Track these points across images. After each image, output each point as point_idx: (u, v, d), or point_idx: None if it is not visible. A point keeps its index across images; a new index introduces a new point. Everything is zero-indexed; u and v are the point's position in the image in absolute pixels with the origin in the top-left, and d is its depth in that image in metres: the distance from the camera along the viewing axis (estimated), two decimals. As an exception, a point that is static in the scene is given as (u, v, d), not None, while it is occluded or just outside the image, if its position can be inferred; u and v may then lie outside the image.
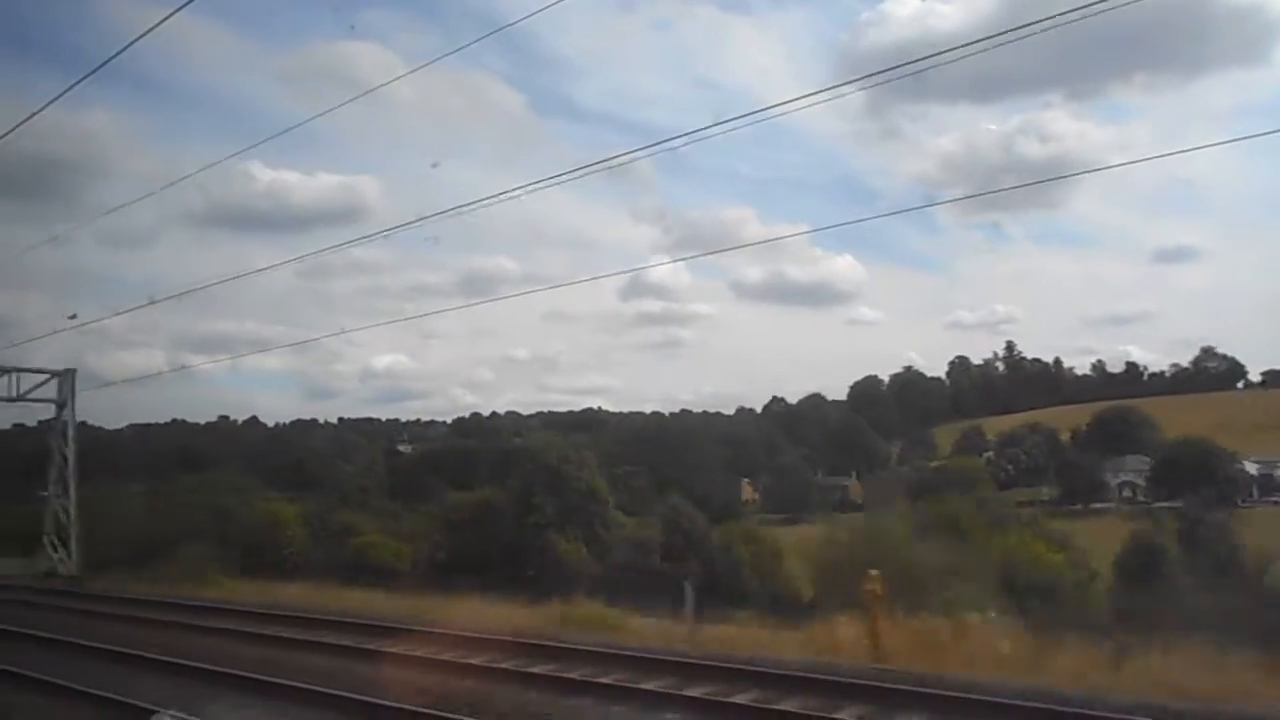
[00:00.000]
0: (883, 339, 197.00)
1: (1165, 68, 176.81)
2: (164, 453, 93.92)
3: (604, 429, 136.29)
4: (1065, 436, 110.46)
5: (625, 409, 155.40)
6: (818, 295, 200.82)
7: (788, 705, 10.51)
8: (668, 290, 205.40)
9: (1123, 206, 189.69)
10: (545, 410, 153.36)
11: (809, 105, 13.37)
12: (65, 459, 32.89)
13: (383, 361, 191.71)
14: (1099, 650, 12.79)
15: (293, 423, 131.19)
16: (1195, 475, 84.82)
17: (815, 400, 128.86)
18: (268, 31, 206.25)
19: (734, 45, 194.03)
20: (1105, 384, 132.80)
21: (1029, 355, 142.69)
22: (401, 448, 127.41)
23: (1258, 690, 10.42)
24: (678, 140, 14.87)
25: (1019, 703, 9.98)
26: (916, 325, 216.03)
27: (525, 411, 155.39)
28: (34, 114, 15.16)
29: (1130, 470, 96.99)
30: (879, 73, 13.08)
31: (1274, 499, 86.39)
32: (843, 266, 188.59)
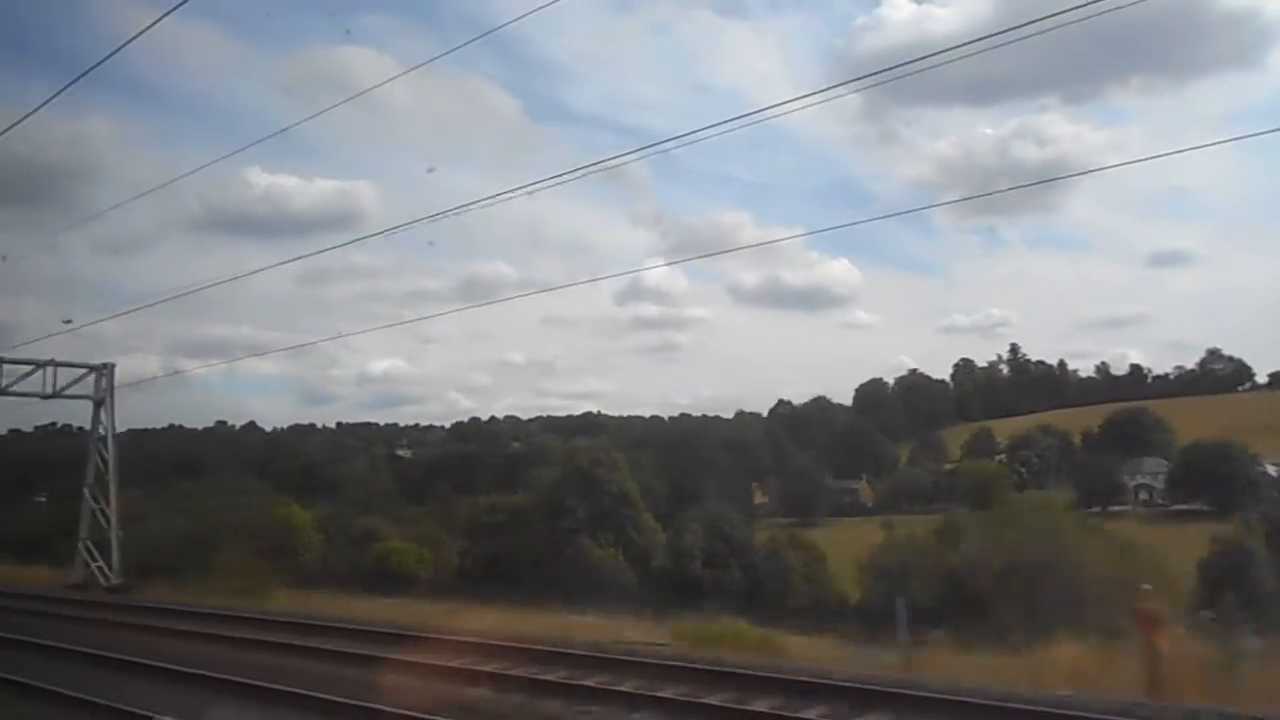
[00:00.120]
0: (878, 343, 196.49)
1: (1162, 71, 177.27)
2: (162, 458, 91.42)
3: (603, 433, 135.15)
4: (1075, 439, 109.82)
5: (622, 413, 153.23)
6: (814, 299, 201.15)
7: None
8: (664, 295, 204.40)
9: (1118, 210, 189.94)
10: (544, 415, 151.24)
11: (803, 108, 14.07)
12: (104, 461, 30.49)
13: (379, 366, 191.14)
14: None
15: (290, 428, 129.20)
16: (1215, 478, 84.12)
17: (820, 403, 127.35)
18: (264, 37, 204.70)
19: (730, 50, 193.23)
20: (1109, 386, 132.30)
21: (1026, 358, 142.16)
22: (401, 452, 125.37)
23: None
24: (673, 142, 14.64)
25: None
26: (912, 329, 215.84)
27: (524, 416, 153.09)
28: (26, 116, 14.68)
29: (1146, 473, 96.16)
30: (874, 74, 13.24)
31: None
32: (839, 270, 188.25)
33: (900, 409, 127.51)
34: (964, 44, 11.50)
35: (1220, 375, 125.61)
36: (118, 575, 29.80)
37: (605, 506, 57.02)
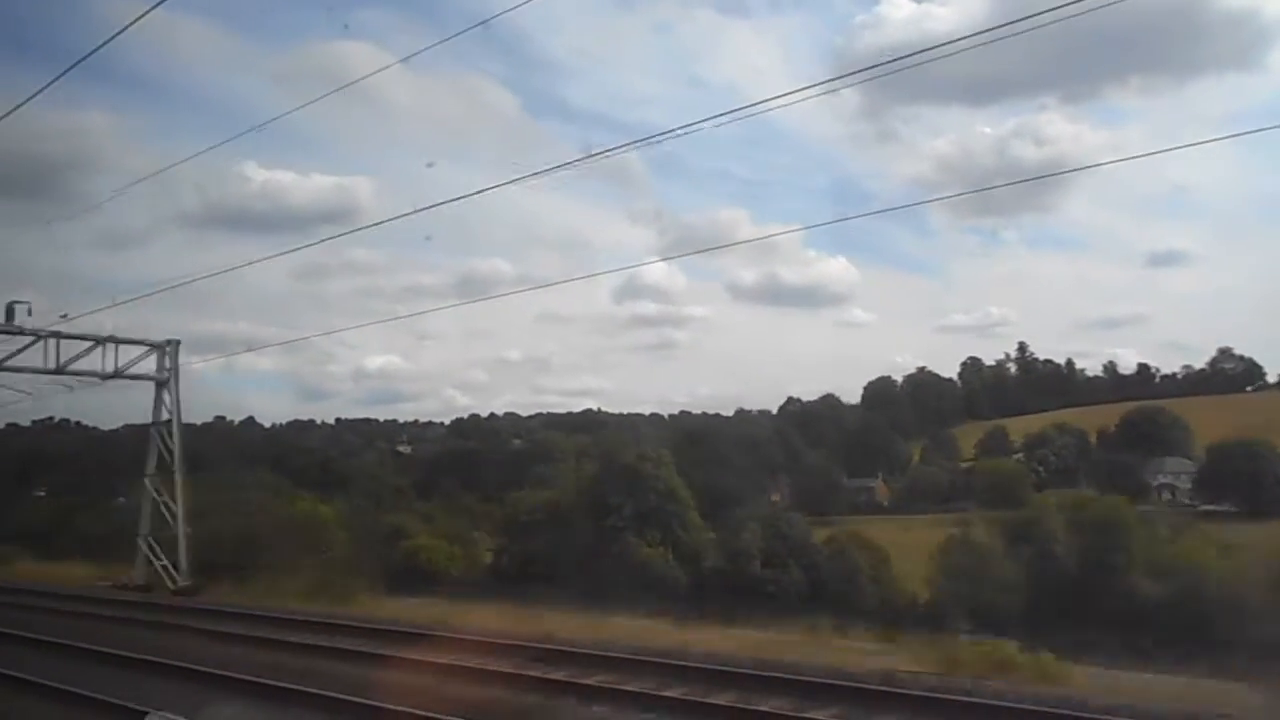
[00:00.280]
0: (876, 341, 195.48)
1: (1161, 71, 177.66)
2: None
3: (604, 430, 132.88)
4: (1090, 438, 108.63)
5: (621, 410, 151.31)
6: (812, 297, 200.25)
7: None
8: (662, 292, 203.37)
9: (1116, 210, 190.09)
10: (544, 412, 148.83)
11: (799, 101, 13.48)
12: (169, 448, 27.53)
13: (376, 362, 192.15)
14: None
15: (290, 423, 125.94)
16: (1243, 477, 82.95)
17: (829, 401, 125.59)
18: (262, 31, 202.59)
19: (731, 48, 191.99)
20: (1117, 386, 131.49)
21: (1034, 357, 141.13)
22: (401, 448, 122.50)
23: None
24: (669, 135, 14.43)
25: None
26: (910, 328, 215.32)
27: (523, 413, 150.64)
28: (17, 107, 14.38)
29: (1169, 472, 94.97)
30: (872, 67, 13.15)
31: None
32: (837, 269, 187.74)
33: (909, 407, 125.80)
34: (963, 38, 11.51)
35: (1231, 374, 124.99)
36: (186, 576, 26.81)
37: (651, 504, 54.39)
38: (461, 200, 16.82)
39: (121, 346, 27.43)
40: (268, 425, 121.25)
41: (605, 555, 52.83)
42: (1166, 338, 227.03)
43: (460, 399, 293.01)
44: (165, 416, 28.07)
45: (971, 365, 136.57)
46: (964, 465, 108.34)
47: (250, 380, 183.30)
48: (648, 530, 53.65)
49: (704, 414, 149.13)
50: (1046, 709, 10.21)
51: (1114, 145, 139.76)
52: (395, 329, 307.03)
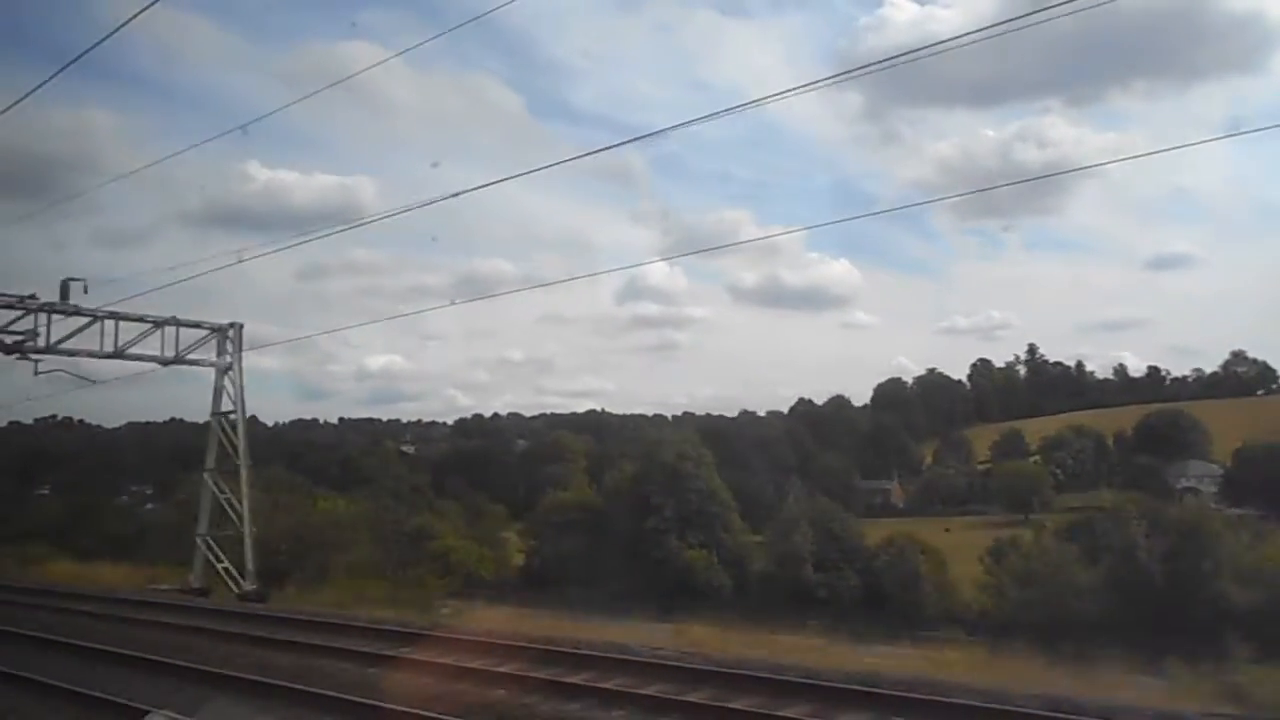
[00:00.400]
0: (878, 343, 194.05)
1: (1164, 74, 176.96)
2: (164, 451, 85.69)
3: (608, 430, 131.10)
4: (1106, 440, 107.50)
5: (623, 411, 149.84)
6: (814, 299, 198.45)
7: None
8: (664, 294, 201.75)
9: (1118, 213, 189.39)
10: (548, 412, 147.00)
11: (798, 93, 13.90)
12: (232, 441, 25.27)
13: (378, 362, 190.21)
14: None
15: (292, 422, 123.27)
16: (1271, 481, 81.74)
17: (839, 402, 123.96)
18: (265, 32, 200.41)
19: (733, 49, 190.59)
20: (1127, 388, 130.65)
21: (1044, 359, 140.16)
22: (405, 448, 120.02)
23: None
24: (673, 129, 12.22)
25: None
26: (911, 330, 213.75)
27: (525, 413, 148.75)
28: (16, 102, 14.28)
29: (1193, 475, 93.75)
30: (876, 63, 13.10)
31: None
32: (838, 271, 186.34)
33: (920, 409, 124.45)
34: (969, 34, 11.44)
35: (1245, 378, 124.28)
36: (252, 579, 24.54)
37: (693, 505, 52.30)
38: (464, 197, 16.06)
39: (171, 332, 25.15)
40: (270, 424, 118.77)
41: (646, 558, 50.72)
42: (1168, 341, 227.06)
43: (461, 399, 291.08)
44: (230, 405, 25.72)
45: (981, 367, 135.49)
46: (980, 467, 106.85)
47: (252, 379, 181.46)
48: (690, 532, 51.53)
49: (708, 415, 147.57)
50: None
51: (1117, 148, 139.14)
52: (397, 329, 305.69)
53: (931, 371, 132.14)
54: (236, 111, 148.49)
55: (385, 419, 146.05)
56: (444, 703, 10.27)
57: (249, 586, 24.51)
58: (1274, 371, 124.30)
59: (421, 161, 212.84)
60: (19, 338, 21.80)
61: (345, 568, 29.61)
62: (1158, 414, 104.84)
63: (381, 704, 9.90)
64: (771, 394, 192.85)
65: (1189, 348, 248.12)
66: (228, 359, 25.66)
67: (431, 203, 16.79)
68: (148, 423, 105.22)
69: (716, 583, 48.85)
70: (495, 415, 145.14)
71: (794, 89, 13.21)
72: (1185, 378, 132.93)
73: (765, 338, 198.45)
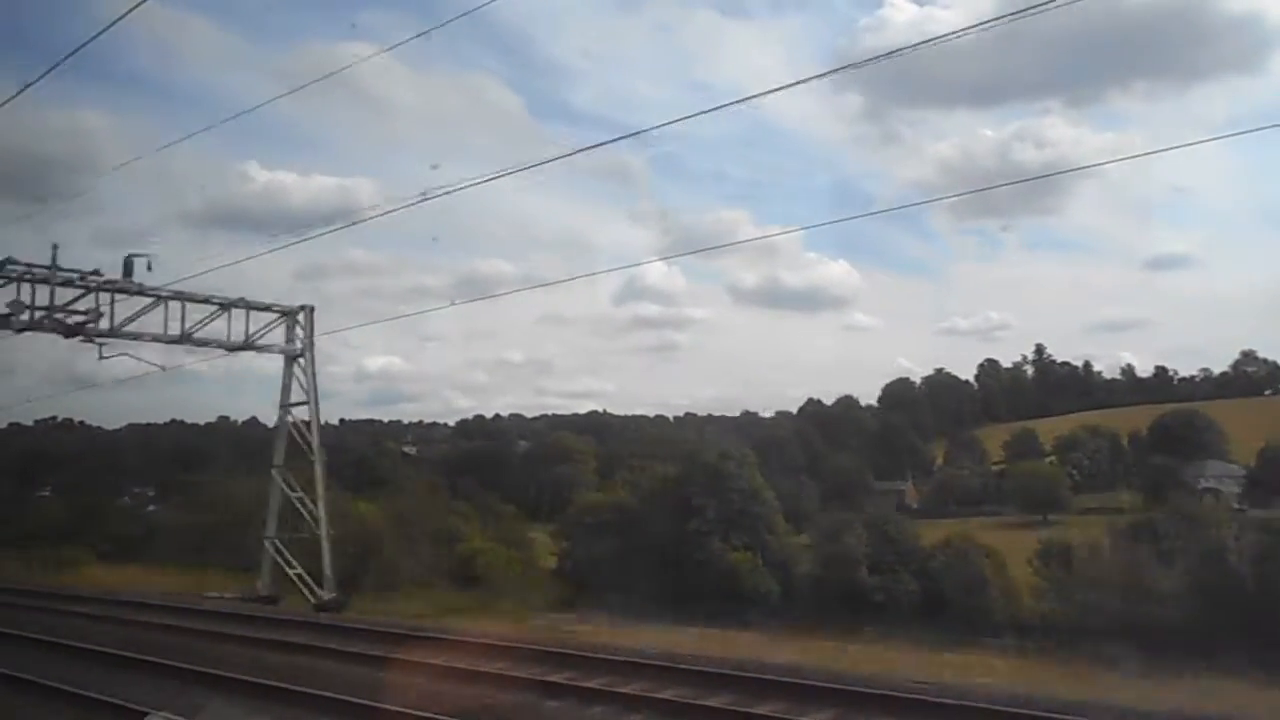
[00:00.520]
0: (877, 344, 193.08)
1: (1164, 75, 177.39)
2: (165, 452, 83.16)
3: (609, 431, 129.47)
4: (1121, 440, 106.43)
5: (623, 412, 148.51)
6: (813, 300, 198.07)
7: None
8: (663, 294, 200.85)
9: (1117, 214, 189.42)
10: (549, 413, 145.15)
11: (795, 86, 14.01)
12: (304, 437, 23.04)
13: (377, 363, 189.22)
14: None
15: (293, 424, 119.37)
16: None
17: (848, 402, 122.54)
18: (264, 32, 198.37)
19: (733, 50, 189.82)
20: (1135, 388, 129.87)
21: (1052, 359, 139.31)
22: (406, 449, 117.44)
23: None
24: (668, 134, 10.18)
25: None
26: (911, 331, 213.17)
27: (526, 414, 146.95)
28: (11, 98, 14.07)
29: (1212, 475, 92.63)
30: (877, 58, 13.99)
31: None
32: (838, 272, 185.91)
33: (928, 409, 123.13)
34: (969, 28, 11.44)
35: (1254, 377, 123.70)
36: (331, 586, 22.29)
37: (735, 506, 50.32)
38: (463, 199, 14.02)
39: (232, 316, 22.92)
40: (271, 425, 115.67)
41: (688, 561, 48.68)
42: (1169, 341, 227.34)
43: (461, 400, 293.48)
44: (303, 395, 23.47)
45: (988, 367, 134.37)
46: (994, 468, 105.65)
47: (250, 380, 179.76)
48: (734, 534, 49.53)
49: (709, 415, 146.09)
50: None
51: (1116, 149, 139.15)
52: (396, 330, 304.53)
53: (939, 371, 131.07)
54: (234, 111, 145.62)
55: (386, 420, 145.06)
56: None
57: (326, 595, 22.25)
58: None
59: (421, 162, 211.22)
60: (81, 318, 19.50)
61: (409, 572, 27.46)
62: (1172, 414, 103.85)
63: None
64: (773, 394, 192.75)
65: (1190, 348, 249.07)
66: (298, 344, 23.39)
67: (430, 197, 16.73)
68: (148, 424, 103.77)
69: (764, 588, 46.81)
70: (497, 416, 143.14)
71: (793, 83, 13.23)
72: (1193, 377, 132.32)
73: (765, 338, 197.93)
